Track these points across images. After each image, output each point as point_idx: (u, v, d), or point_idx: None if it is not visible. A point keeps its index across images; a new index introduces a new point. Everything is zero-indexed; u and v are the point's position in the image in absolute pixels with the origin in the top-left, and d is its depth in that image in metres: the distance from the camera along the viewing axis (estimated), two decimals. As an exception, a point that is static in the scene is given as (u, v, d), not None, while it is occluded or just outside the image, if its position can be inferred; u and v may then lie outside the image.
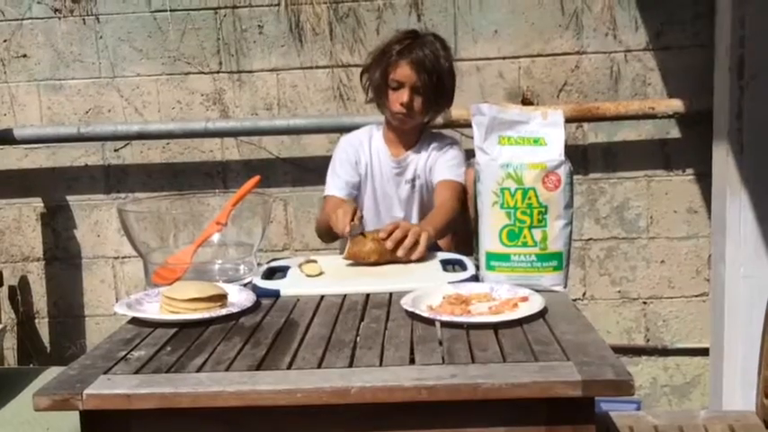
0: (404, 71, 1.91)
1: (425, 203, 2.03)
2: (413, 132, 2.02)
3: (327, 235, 1.88)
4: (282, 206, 2.66)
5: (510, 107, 1.47)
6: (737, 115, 2.33)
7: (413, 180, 2.02)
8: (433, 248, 1.72)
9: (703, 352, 2.65)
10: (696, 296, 2.66)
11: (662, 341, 2.69)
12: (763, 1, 2.26)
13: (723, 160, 2.39)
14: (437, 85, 1.90)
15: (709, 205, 2.58)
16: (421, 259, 1.61)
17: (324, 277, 1.55)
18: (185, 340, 1.22)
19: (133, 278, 2.75)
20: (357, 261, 1.62)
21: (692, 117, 2.51)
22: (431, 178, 2.00)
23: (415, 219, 2.02)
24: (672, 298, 2.67)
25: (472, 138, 1.50)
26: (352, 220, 1.65)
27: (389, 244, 1.59)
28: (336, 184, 2.00)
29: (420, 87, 1.91)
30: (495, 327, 1.21)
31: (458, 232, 1.93)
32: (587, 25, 2.56)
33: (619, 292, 2.68)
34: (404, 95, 1.92)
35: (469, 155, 1.66)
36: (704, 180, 2.58)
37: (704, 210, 2.62)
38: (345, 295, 1.44)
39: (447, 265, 1.60)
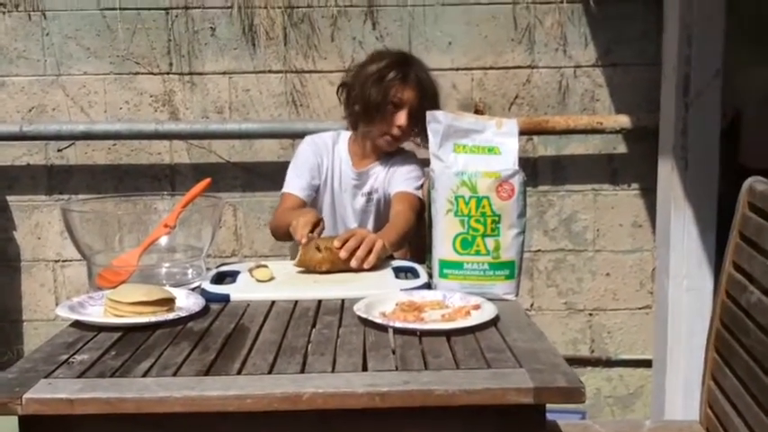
0: (407, 93, 1.93)
1: (381, 217, 2.02)
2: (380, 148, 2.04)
3: (284, 234, 1.85)
4: (232, 211, 2.63)
5: (465, 116, 1.48)
6: (682, 131, 2.39)
7: (369, 194, 2.03)
8: (388, 257, 1.70)
9: (646, 363, 2.70)
10: (640, 308, 2.71)
11: (606, 352, 2.73)
12: (708, 21, 2.32)
13: (668, 175, 2.44)
14: (432, 107, 1.86)
15: (653, 219, 2.63)
16: (373, 267, 1.60)
17: (275, 283, 1.54)
18: (131, 344, 1.19)
19: (74, 282, 2.67)
20: (308, 269, 1.61)
21: (639, 133, 2.57)
22: (389, 191, 2.00)
23: (370, 231, 1.98)
24: (616, 310, 2.71)
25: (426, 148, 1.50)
26: (312, 231, 1.65)
27: (343, 254, 1.58)
28: (298, 183, 1.98)
29: (417, 110, 1.91)
30: (448, 334, 1.20)
31: (411, 243, 1.93)
32: (539, 40, 2.59)
33: (565, 303, 2.71)
34: (402, 118, 1.93)
35: (426, 165, 1.66)
36: (649, 195, 2.63)
37: (648, 224, 2.68)
38: (297, 301, 1.43)
39: (399, 272, 1.59)
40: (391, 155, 2.04)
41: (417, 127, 1.95)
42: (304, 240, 1.60)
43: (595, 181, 2.66)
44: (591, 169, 2.65)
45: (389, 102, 1.93)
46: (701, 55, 2.33)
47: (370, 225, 2.03)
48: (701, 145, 2.38)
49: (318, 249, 1.58)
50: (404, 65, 1.94)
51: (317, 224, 1.69)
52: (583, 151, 2.64)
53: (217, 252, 2.62)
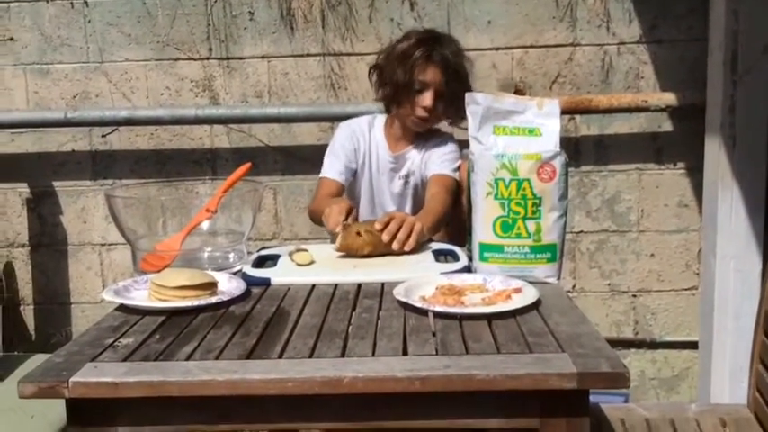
0: (431, 72, 1.90)
1: (419, 200, 2.01)
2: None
3: (320, 220, 1.86)
4: (272, 195, 2.64)
5: (505, 97, 1.46)
6: (730, 109, 2.32)
7: (406, 177, 2.02)
8: (426, 240, 1.71)
9: (692, 345, 2.65)
10: (686, 290, 2.66)
11: (651, 334, 2.69)
12: (757, -5, 2.27)
13: (715, 154, 2.39)
14: (460, 88, 1.86)
15: (699, 199, 2.58)
16: (413, 250, 1.60)
17: (315, 266, 1.55)
18: (174, 328, 1.21)
19: (120, 266, 2.71)
20: (349, 253, 1.61)
21: (685, 111, 2.51)
22: (425, 173, 1.99)
23: (408, 214, 1.99)
24: (661, 291, 2.67)
25: (466, 129, 1.49)
26: (346, 219, 1.65)
27: (385, 237, 1.58)
28: (335, 167, 1.98)
29: (444, 90, 1.90)
30: (489, 318, 1.20)
31: (450, 225, 1.93)
32: (581, 17, 2.54)
33: (608, 284, 2.67)
34: (427, 98, 1.91)
35: (465, 146, 1.66)
36: (695, 174, 2.58)
37: (695, 204, 2.62)
38: (337, 285, 1.43)
39: (439, 255, 1.60)
40: (427, 137, 2.03)
41: (447, 108, 1.93)
42: (338, 229, 1.60)
43: (639, 160, 2.61)
44: (635, 148, 2.60)
45: (414, 82, 1.91)
46: (748, 31, 2.27)
47: (408, 208, 2.03)
48: (749, 123, 2.32)
49: (359, 234, 1.59)
50: (430, 44, 1.91)
51: (350, 212, 1.69)
52: (627, 130, 2.59)
53: (257, 236, 2.63)
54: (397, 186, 2.03)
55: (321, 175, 2.00)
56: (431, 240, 1.73)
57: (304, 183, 2.62)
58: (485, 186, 1.42)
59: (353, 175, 2.02)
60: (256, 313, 1.28)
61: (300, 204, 2.64)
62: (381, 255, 1.59)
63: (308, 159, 2.58)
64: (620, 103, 2.49)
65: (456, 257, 1.57)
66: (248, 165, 1.62)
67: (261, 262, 1.59)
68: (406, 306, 1.26)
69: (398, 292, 1.29)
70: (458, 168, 1.96)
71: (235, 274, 1.50)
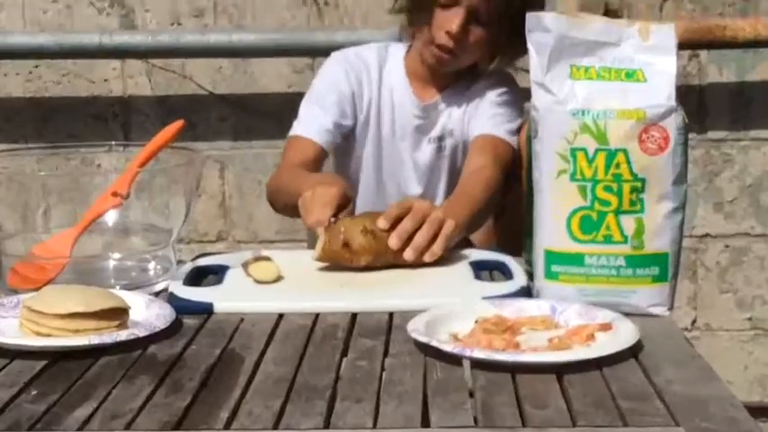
0: None
1: (459, 174, 2.04)
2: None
3: (288, 207, 1.89)
4: (217, 172, 2.65)
5: (590, 19, 1.46)
6: None
7: (440, 139, 2.06)
8: (460, 244, 1.72)
9: None
10: None
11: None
12: None
13: None
14: (513, 13, 1.86)
15: None
16: (439, 261, 1.61)
17: (283, 285, 1.56)
18: (61, 379, 1.20)
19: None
20: (337, 263, 1.62)
21: None
22: (468, 134, 2.03)
23: (440, 199, 2.04)
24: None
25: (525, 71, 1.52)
26: (336, 214, 1.68)
27: (394, 241, 1.59)
28: (318, 121, 2.01)
29: (485, 7, 1.92)
30: (560, 370, 1.19)
31: (500, 219, 1.96)
32: None
33: (749, 319, 2.68)
34: (454, 20, 1.92)
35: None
36: None
37: None
38: (318, 315, 1.44)
39: (481, 269, 1.60)
40: (473, 78, 2.05)
41: (491, 36, 1.97)
42: (320, 230, 1.62)
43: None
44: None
45: None
46: None
47: (442, 190, 2.07)
48: None
49: (351, 228, 1.61)
50: None
51: (345, 204, 1.72)
52: (781, 76, 2.61)
53: (194, 235, 2.64)
54: (424, 154, 2.06)
55: (292, 133, 2.02)
56: (468, 244, 1.75)
57: (267, 153, 2.63)
58: (555, 160, 1.42)
59: (346, 137, 2.04)
60: (191, 358, 1.27)
61: (261, 187, 2.62)
62: (388, 267, 1.61)
63: (275, 116, 2.57)
64: (770, 32, 2.50)
65: (508, 273, 1.57)
66: (179, 124, 1.61)
67: (198, 277, 1.60)
68: (427, 350, 1.25)
69: (416, 329, 1.29)
70: (518, 130, 1.99)
71: (157, 295, 1.50)
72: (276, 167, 2.09)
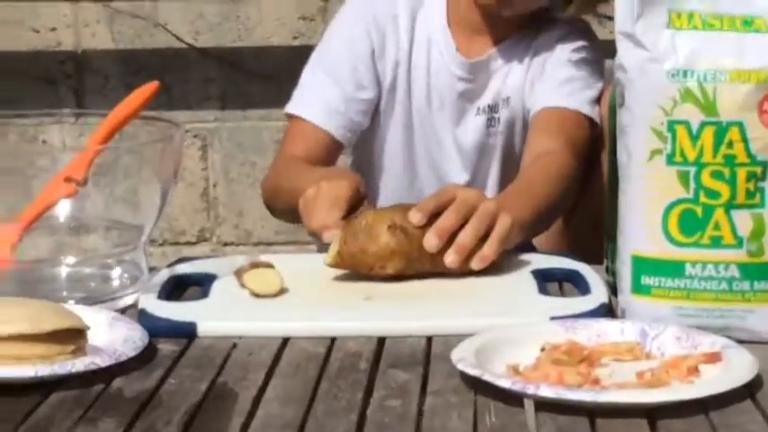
0: None
1: (517, 159, 2.05)
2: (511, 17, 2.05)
3: (288, 210, 1.89)
4: (199, 151, 2.67)
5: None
6: None
7: (493, 108, 2.04)
8: (520, 247, 1.71)
9: None
10: None
11: None
12: None
13: None
14: None
15: None
16: (490, 267, 1.57)
17: (288, 299, 1.52)
18: (2, 419, 1.18)
19: None
20: (356, 270, 1.58)
21: None
22: (531, 104, 1.99)
23: (492, 190, 2.06)
24: None
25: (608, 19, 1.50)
26: (346, 216, 1.68)
27: (433, 241, 1.54)
28: (324, 99, 2.00)
29: None
30: (652, 414, 1.15)
31: (574, 216, 1.98)
32: None
33: None
34: None
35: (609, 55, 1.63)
36: None
37: None
38: (334, 339, 1.40)
39: (548, 281, 1.57)
40: (539, 30, 2.05)
41: None
42: (327, 236, 1.62)
43: None
44: None
45: None
46: None
47: (493, 181, 2.06)
48: None
49: (376, 223, 1.59)
50: None
51: (358, 203, 1.72)
52: None
53: (170, 235, 2.66)
54: (471, 131, 2.05)
55: (292, 110, 2.02)
56: (529, 248, 1.76)
57: (264, 127, 2.64)
58: (647, 137, 1.38)
59: (366, 113, 2.03)
60: (168, 395, 1.24)
61: (257, 171, 2.65)
62: (424, 277, 1.58)
63: (275, 78, 2.58)
64: None
65: (583, 286, 1.53)
66: (152, 87, 1.58)
67: (177, 289, 1.58)
68: (478, 386, 1.22)
69: (463, 358, 1.26)
70: (598, 99, 1.98)
71: (124, 312, 1.49)
72: (274, 160, 2.08)
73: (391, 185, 2.11)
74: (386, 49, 2.02)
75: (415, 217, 1.56)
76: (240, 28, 2.66)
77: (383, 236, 1.57)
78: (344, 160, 2.16)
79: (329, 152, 2.00)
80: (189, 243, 2.69)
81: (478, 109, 2.04)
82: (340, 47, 2.03)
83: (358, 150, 2.16)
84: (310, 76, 2.03)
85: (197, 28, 2.66)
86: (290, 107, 2.02)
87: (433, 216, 1.56)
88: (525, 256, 1.66)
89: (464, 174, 2.07)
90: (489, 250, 1.56)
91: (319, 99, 2.00)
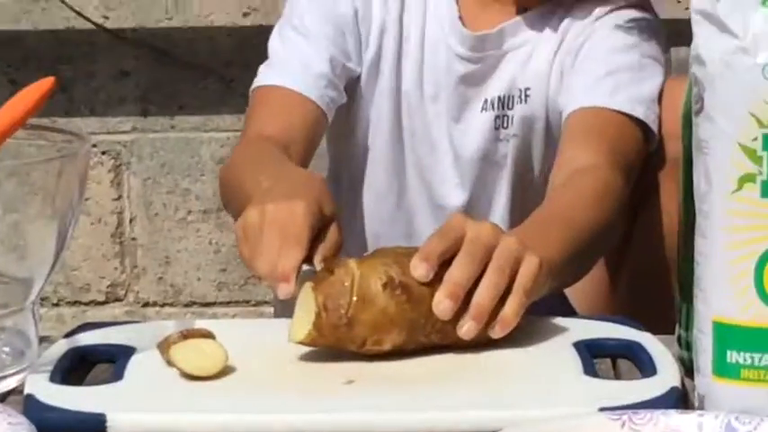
0: None
1: (534, 176, 1.96)
2: None
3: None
4: (110, 171, 2.64)
5: None
6: None
7: (505, 102, 1.93)
8: (551, 305, 1.61)
9: None
10: None
11: None
12: None
13: None
14: None
15: None
16: (514, 333, 1.45)
17: (235, 382, 1.40)
18: None
19: None
20: (340, 348, 1.46)
21: None
22: (561, 102, 1.89)
23: (499, 217, 1.96)
24: None
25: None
26: (308, 260, 1.54)
27: (447, 304, 1.42)
28: (304, 56, 1.92)
29: None
30: None
31: (625, 260, 1.90)
32: None
33: None
34: None
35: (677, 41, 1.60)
36: None
37: None
38: None
39: (596, 356, 1.45)
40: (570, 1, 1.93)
41: None
42: (284, 290, 1.49)
43: None
44: None
45: None
46: None
47: (501, 203, 1.96)
48: None
49: (360, 290, 1.46)
50: None
51: (323, 228, 1.59)
52: None
53: (68, 291, 2.70)
54: (477, 131, 1.95)
55: (262, 83, 1.92)
56: (566, 307, 1.76)
57: (204, 140, 2.60)
58: (735, 158, 1.28)
59: (350, 91, 1.94)
60: None
61: (189, 202, 2.62)
62: (424, 351, 1.47)
63: (218, 71, 2.56)
64: None
65: (645, 364, 1.41)
66: (47, 83, 1.48)
67: (79, 367, 1.46)
68: None
69: None
70: (656, 98, 1.87)
71: (4, 399, 1.39)
72: (239, 141, 1.98)
73: (373, 200, 2.02)
74: (371, 10, 1.95)
75: (420, 269, 1.42)
76: (168, 2, 2.59)
77: (379, 298, 1.43)
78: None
79: (316, 128, 1.91)
80: (95, 303, 2.64)
81: (485, 102, 1.94)
82: (315, 3, 1.96)
83: (331, 147, 2.07)
84: (278, 42, 1.96)
85: (107, 2, 2.58)
86: (262, 80, 1.93)
87: (441, 262, 1.44)
88: (563, 322, 1.54)
89: (461, 192, 1.97)
90: (512, 309, 1.42)
91: (297, 61, 1.93)
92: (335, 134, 2.03)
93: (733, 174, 1.27)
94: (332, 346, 1.44)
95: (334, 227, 1.59)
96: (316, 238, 1.56)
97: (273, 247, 1.53)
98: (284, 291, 1.47)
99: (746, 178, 1.26)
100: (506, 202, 1.97)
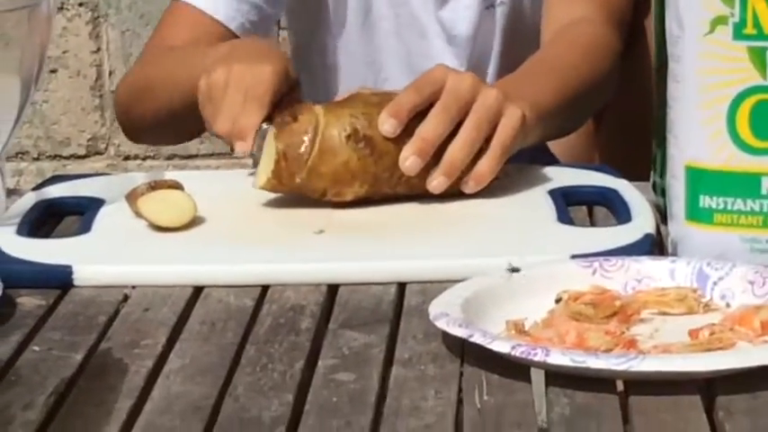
0: None
1: (522, 46, 1.91)
2: None
3: (166, 117, 1.80)
4: (88, 23, 2.65)
5: None
6: None
7: None
8: (534, 155, 1.64)
9: None
10: None
11: None
12: None
13: None
14: None
15: None
16: (492, 186, 1.46)
17: (202, 233, 1.42)
18: None
19: None
20: (301, 195, 1.47)
21: None
22: None
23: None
24: None
25: None
26: (271, 114, 1.55)
27: (414, 161, 1.43)
28: None
29: None
30: (711, 388, 1.07)
31: (607, 112, 1.89)
32: None
33: None
34: None
35: None
36: None
37: None
38: (267, 288, 1.31)
39: (571, 203, 1.47)
40: None
41: None
42: (241, 145, 1.52)
43: None
44: None
45: None
46: None
47: (492, 69, 1.92)
48: None
49: (320, 141, 1.48)
50: None
51: (288, 92, 1.59)
52: None
53: (46, 144, 2.66)
54: (467, 9, 1.93)
55: None
56: (548, 158, 1.75)
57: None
58: (707, 1, 1.30)
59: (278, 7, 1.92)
60: (30, 367, 1.17)
61: None
62: (395, 200, 1.48)
63: None
64: None
65: (620, 210, 1.43)
66: None
67: (47, 219, 1.49)
68: (467, 351, 1.15)
69: (445, 312, 1.17)
70: None
71: None
72: (141, 53, 1.93)
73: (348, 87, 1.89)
74: None
75: (387, 124, 1.43)
76: None
77: (341, 151, 1.44)
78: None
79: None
80: (76, 156, 2.66)
81: None
82: None
83: (296, 40, 2.05)
84: None
85: None
86: None
87: (416, 112, 1.43)
88: (539, 170, 1.55)
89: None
90: (488, 165, 1.43)
91: None
92: (295, 25, 2.02)
93: (705, 16, 1.28)
94: (292, 193, 1.46)
95: (297, 92, 1.61)
96: (279, 103, 1.56)
97: (235, 106, 1.54)
98: (240, 148, 1.50)
99: (718, 20, 1.28)
100: (495, 73, 1.95)
